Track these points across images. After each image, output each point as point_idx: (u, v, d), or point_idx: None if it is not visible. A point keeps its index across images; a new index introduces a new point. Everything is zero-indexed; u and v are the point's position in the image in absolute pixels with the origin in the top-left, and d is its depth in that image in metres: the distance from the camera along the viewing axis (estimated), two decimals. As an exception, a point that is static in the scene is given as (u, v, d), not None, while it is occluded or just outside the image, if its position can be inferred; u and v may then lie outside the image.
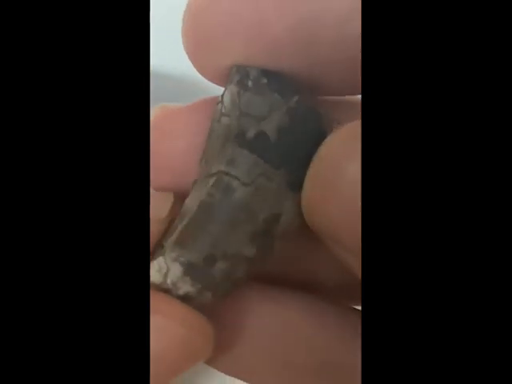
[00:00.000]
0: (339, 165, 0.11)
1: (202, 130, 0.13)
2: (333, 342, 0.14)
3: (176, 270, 0.12)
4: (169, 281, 0.12)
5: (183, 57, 0.13)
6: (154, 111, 0.14)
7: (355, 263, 0.11)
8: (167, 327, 0.12)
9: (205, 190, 0.12)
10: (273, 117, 0.12)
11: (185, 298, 0.12)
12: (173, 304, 0.12)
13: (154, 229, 0.13)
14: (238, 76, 0.12)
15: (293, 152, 0.12)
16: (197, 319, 0.12)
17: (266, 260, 0.12)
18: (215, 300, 0.12)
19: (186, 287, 0.12)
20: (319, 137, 0.11)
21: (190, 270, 0.12)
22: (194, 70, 0.13)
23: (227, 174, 0.12)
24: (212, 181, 0.12)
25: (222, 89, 0.13)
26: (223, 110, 0.12)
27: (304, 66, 0.12)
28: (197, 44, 0.12)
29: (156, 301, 0.12)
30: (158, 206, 0.13)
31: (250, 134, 0.12)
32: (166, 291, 0.12)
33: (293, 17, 0.11)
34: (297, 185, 0.12)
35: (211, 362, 0.14)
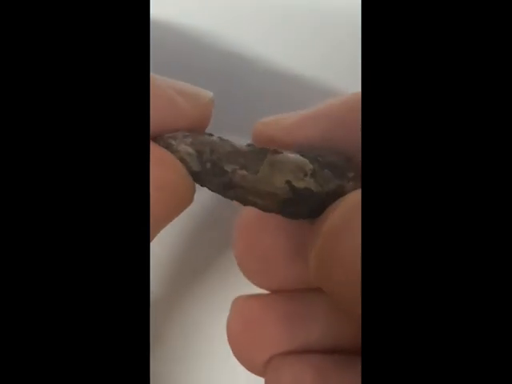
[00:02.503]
0: (338, 237, 0.13)
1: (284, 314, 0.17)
2: None
3: (180, 135, 0.15)
4: (174, 142, 0.15)
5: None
6: (238, 302, 0.17)
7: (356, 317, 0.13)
8: (157, 172, 0.14)
9: None
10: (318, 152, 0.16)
11: (177, 152, 0.15)
12: (169, 156, 0.14)
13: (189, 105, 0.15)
14: None
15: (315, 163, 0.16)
16: (183, 171, 0.14)
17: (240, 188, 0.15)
18: (198, 173, 0.15)
19: (182, 146, 0.15)
20: (335, 172, 0.16)
21: (194, 137, 0.15)
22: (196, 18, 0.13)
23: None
24: None
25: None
26: None
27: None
28: (245, 253, 0.17)
29: (156, 150, 0.14)
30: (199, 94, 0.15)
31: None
32: (168, 146, 0.15)
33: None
34: None
35: None
